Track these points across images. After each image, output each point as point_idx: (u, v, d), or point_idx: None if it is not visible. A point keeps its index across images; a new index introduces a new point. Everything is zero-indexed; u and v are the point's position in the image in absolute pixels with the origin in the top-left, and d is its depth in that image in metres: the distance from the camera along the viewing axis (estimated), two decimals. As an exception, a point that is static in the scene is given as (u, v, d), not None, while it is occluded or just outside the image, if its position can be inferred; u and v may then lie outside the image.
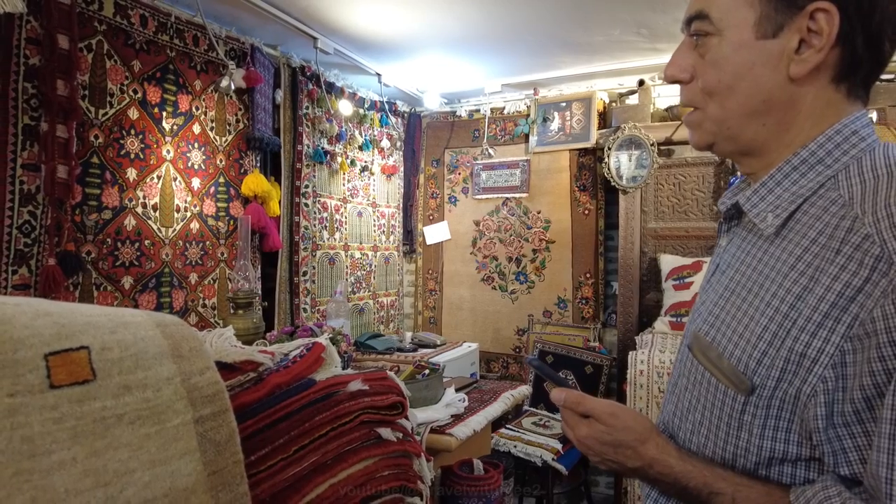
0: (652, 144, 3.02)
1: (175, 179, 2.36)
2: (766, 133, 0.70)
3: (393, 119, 3.75)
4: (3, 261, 1.78)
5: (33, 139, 1.84)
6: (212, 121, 2.53)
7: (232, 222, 2.62)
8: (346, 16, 2.59)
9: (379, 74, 3.30)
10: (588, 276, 3.47)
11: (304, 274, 3.04)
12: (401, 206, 3.97)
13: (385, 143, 3.68)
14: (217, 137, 2.55)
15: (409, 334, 3.51)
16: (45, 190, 1.86)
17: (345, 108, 3.25)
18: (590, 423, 0.74)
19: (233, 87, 2.50)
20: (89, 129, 2.03)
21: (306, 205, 3.05)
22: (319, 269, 3.17)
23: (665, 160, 3.10)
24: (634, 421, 0.73)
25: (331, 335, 1.82)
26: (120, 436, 0.51)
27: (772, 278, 0.65)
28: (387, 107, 3.67)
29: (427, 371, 1.70)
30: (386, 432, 0.92)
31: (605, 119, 3.42)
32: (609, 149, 3.14)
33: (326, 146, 3.18)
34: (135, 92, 2.17)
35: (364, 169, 3.55)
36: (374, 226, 3.69)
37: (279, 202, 2.82)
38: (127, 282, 2.16)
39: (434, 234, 3.98)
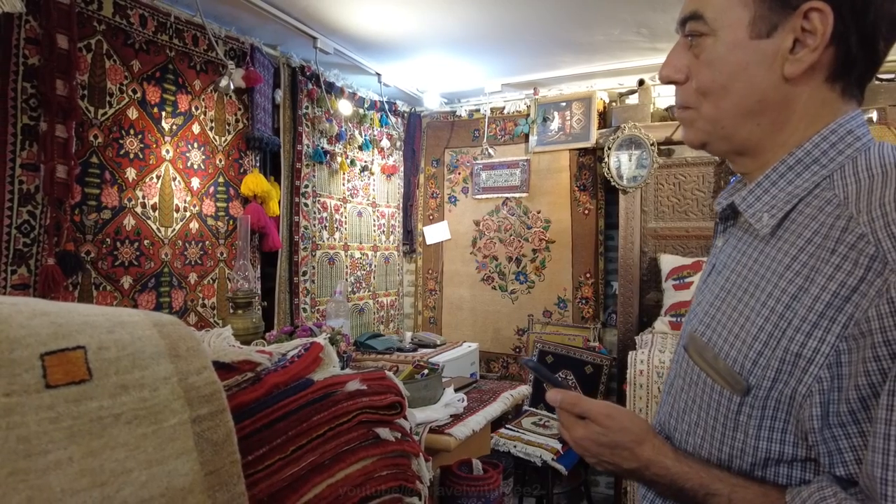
0: (652, 144, 3.02)
1: (174, 179, 2.36)
2: (760, 133, 0.70)
3: (393, 119, 3.75)
4: (2, 260, 1.78)
5: (32, 139, 1.84)
6: (211, 121, 2.53)
7: (231, 222, 2.62)
8: (346, 16, 2.59)
9: (379, 74, 3.30)
10: (588, 275, 3.47)
11: (304, 274, 3.04)
12: (401, 205, 3.97)
13: (385, 143, 3.68)
14: (216, 137, 2.56)
15: (408, 334, 3.51)
16: (44, 190, 1.86)
17: (344, 107, 3.25)
18: (586, 424, 0.74)
19: (232, 86, 2.51)
20: (88, 128, 2.03)
21: (306, 205, 3.05)
22: (319, 269, 3.17)
23: (665, 160, 3.10)
24: (631, 422, 0.73)
25: (330, 335, 1.82)
26: (117, 435, 0.51)
27: (767, 278, 0.65)
28: (387, 107, 3.67)
29: (426, 371, 1.70)
30: (384, 432, 0.92)
31: (605, 119, 3.42)
32: (609, 148, 3.14)
33: (326, 146, 3.18)
34: (134, 92, 2.18)
35: (364, 169, 3.55)
36: (374, 226, 3.69)
37: (279, 202, 2.82)
38: (126, 281, 2.16)
39: (434, 233, 3.98)
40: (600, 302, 3.45)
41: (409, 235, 3.99)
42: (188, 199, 2.42)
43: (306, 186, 3.04)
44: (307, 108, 3.04)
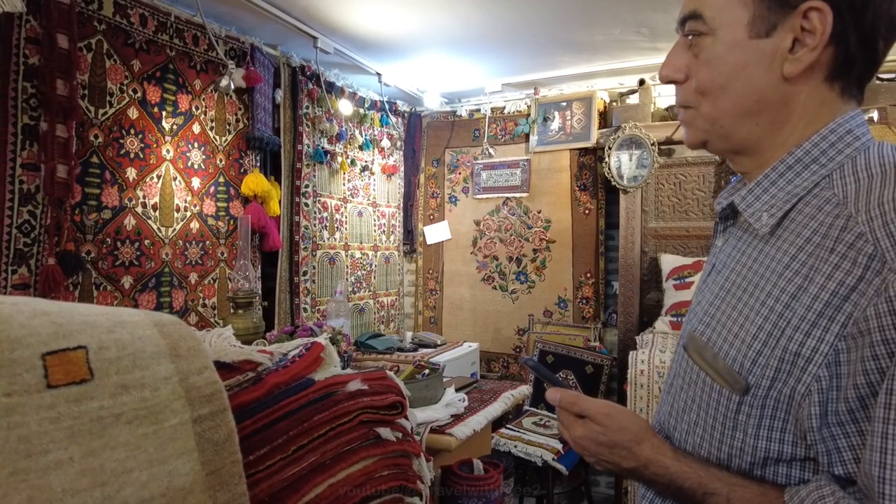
0: (652, 144, 3.02)
1: (175, 179, 2.36)
2: (759, 132, 0.70)
3: (393, 119, 3.75)
4: (2, 260, 1.79)
5: (33, 139, 1.84)
6: (212, 120, 2.53)
7: (232, 222, 2.63)
8: (347, 15, 2.59)
9: (379, 74, 3.30)
10: (588, 275, 3.47)
11: (305, 274, 3.04)
12: (401, 205, 3.97)
13: (385, 143, 3.68)
14: (217, 137, 2.56)
15: (409, 334, 3.51)
16: (44, 189, 1.86)
17: (345, 107, 3.25)
18: (585, 423, 0.74)
19: (232, 86, 2.51)
20: (89, 128, 2.03)
21: (306, 204, 3.05)
22: (319, 269, 3.17)
23: (666, 160, 3.10)
24: (630, 421, 0.73)
25: (331, 335, 1.82)
26: (117, 435, 0.51)
27: (767, 278, 0.65)
28: (387, 106, 3.67)
29: (427, 371, 1.70)
30: (385, 432, 0.92)
31: (605, 118, 3.42)
32: (609, 148, 3.14)
33: (326, 146, 3.19)
34: (134, 91, 2.18)
35: (364, 168, 3.55)
36: (375, 225, 3.69)
37: (279, 202, 2.83)
38: (127, 281, 2.17)
39: (434, 233, 3.98)
40: (601, 302, 3.45)
41: (410, 235, 3.99)
42: (189, 198, 2.42)
43: (307, 186, 3.04)
44: (307, 107, 3.04)
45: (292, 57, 2.93)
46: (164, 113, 2.30)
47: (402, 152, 3.94)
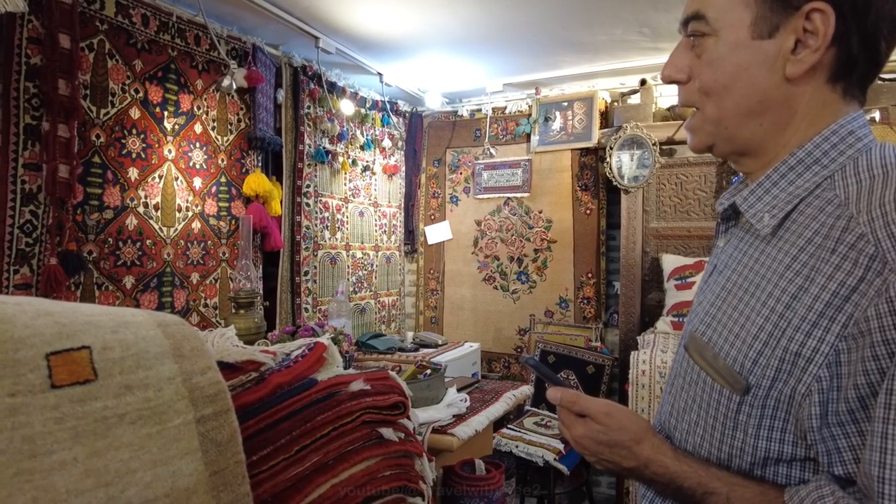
0: (654, 144, 3.02)
1: (177, 179, 2.36)
2: (762, 133, 0.70)
3: (394, 119, 3.75)
4: (4, 260, 1.79)
5: (35, 139, 1.85)
6: (213, 120, 2.53)
7: (233, 222, 2.63)
8: (348, 15, 2.59)
9: (380, 74, 3.30)
10: (590, 275, 3.47)
11: (306, 274, 3.04)
12: (402, 205, 3.97)
13: (386, 143, 3.68)
14: (219, 137, 2.56)
15: (410, 334, 3.51)
16: (46, 189, 1.86)
17: (346, 107, 3.25)
18: (585, 422, 0.74)
19: (234, 86, 2.51)
20: (91, 128, 2.03)
21: (308, 204, 3.05)
22: (321, 269, 3.17)
23: (667, 160, 3.10)
24: (630, 421, 0.73)
25: (332, 335, 1.82)
26: (121, 436, 0.51)
27: (768, 278, 0.66)
28: (388, 106, 3.67)
29: (429, 371, 1.70)
30: (388, 432, 0.92)
31: (606, 118, 3.42)
32: (611, 148, 3.14)
33: (328, 146, 3.19)
34: (136, 91, 2.18)
35: (365, 168, 3.56)
36: (376, 225, 3.69)
37: (281, 202, 2.83)
38: (128, 281, 2.17)
39: (435, 233, 3.98)
40: (602, 302, 3.45)
41: (411, 235, 3.99)
42: (190, 198, 2.42)
43: (308, 186, 3.05)
44: (309, 107, 3.04)
45: (294, 57, 2.93)
46: (165, 113, 2.30)
47: (403, 152, 3.94)
